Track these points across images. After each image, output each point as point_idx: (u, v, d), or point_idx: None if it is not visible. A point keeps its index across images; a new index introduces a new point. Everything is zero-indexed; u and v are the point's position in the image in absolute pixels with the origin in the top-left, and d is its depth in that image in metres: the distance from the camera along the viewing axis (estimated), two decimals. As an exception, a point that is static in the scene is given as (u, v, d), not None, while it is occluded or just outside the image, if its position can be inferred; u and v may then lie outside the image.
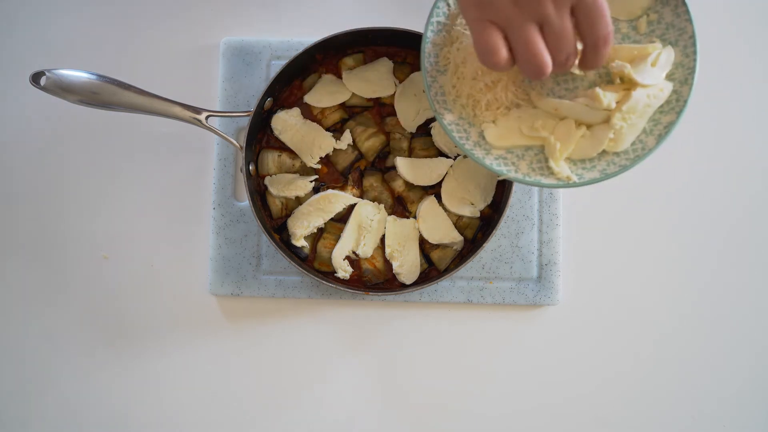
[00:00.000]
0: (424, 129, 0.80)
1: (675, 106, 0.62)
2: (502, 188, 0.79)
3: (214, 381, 0.82)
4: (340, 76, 0.81)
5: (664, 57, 0.62)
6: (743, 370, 0.81)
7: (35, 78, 0.71)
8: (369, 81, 0.80)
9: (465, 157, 0.79)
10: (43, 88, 0.71)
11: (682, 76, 0.62)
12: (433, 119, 0.79)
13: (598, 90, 0.62)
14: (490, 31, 0.51)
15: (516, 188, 0.81)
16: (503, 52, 0.51)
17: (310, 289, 0.82)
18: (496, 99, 0.66)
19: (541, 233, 0.82)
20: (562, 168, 0.64)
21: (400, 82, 0.80)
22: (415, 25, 0.77)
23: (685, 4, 0.62)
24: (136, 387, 0.83)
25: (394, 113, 0.80)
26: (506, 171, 0.64)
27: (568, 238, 0.83)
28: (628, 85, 0.62)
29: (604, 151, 0.64)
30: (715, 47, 0.84)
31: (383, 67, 0.80)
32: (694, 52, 0.62)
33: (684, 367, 0.81)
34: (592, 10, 0.49)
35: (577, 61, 0.56)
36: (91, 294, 0.84)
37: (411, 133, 0.80)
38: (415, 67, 0.81)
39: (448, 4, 0.67)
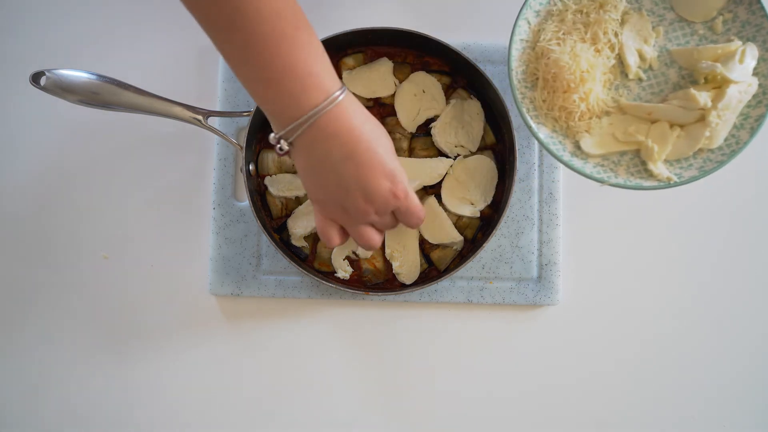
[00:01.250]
0: (424, 129, 0.80)
1: (762, 99, 0.66)
2: (502, 188, 0.79)
3: (214, 381, 0.82)
4: (340, 76, 0.81)
5: (748, 53, 0.65)
6: (744, 371, 0.81)
7: (35, 78, 0.71)
8: (369, 81, 0.80)
9: (465, 157, 0.79)
10: (43, 88, 0.71)
11: (766, 70, 0.66)
12: (433, 119, 0.79)
13: (693, 91, 0.65)
14: (329, 225, 0.64)
15: (516, 188, 0.81)
16: (338, 240, 0.65)
17: (310, 289, 0.82)
18: (589, 109, 0.69)
19: (541, 233, 0.82)
20: (661, 169, 0.67)
21: (400, 82, 0.80)
22: (415, 25, 0.77)
23: (759, 1, 0.66)
24: (135, 387, 0.83)
25: (394, 113, 0.80)
26: (607, 178, 0.68)
27: (568, 238, 0.83)
28: (717, 83, 0.66)
29: (699, 149, 0.67)
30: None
31: (383, 67, 0.80)
32: None
33: (684, 367, 0.81)
34: (406, 213, 0.63)
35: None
36: (91, 294, 0.84)
37: (411, 133, 0.80)
38: (416, 67, 0.81)
39: (529, 22, 0.70)
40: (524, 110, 0.69)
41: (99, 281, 0.84)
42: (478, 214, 0.78)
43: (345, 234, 0.65)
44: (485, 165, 0.78)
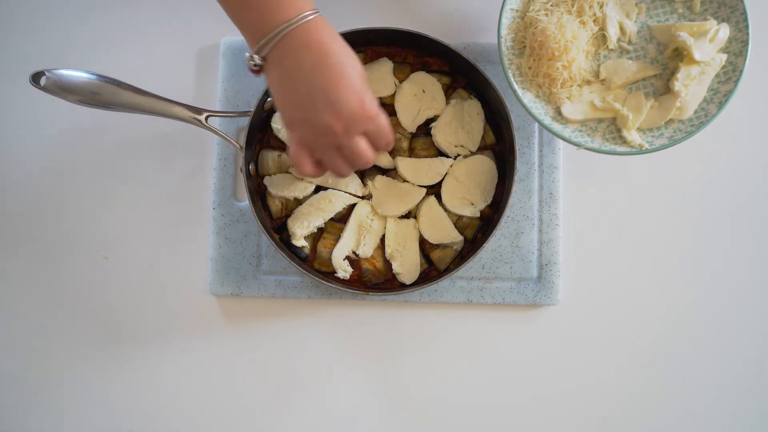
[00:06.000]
0: (424, 129, 0.80)
1: (732, 76, 0.71)
2: (502, 188, 0.79)
3: (214, 381, 0.82)
4: (340, 76, 0.81)
5: (721, 34, 0.70)
6: (744, 371, 0.81)
7: (35, 78, 0.71)
8: (369, 81, 0.79)
9: (465, 157, 0.79)
10: (43, 88, 0.71)
11: (737, 49, 0.71)
12: (433, 119, 0.79)
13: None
14: (300, 150, 0.63)
15: (516, 188, 0.81)
16: (309, 168, 0.64)
17: (310, 289, 0.82)
18: (571, 77, 0.74)
19: (541, 233, 0.82)
20: (634, 137, 0.72)
21: (400, 82, 0.80)
22: (415, 25, 0.77)
23: None
24: (136, 387, 0.83)
25: (394, 113, 0.80)
26: (583, 142, 0.72)
27: (568, 238, 0.83)
28: (686, 57, 0.71)
29: (671, 120, 0.73)
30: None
31: (383, 67, 0.80)
32: (747, 27, 0.71)
33: (684, 366, 0.81)
34: (376, 134, 0.63)
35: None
36: (91, 294, 0.84)
37: (411, 133, 0.80)
38: (416, 67, 0.81)
39: None
40: (511, 75, 0.73)
41: (99, 281, 0.84)
42: (478, 214, 0.78)
43: (317, 164, 0.65)
44: (485, 165, 0.78)
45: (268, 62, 0.61)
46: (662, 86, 0.74)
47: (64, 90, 0.71)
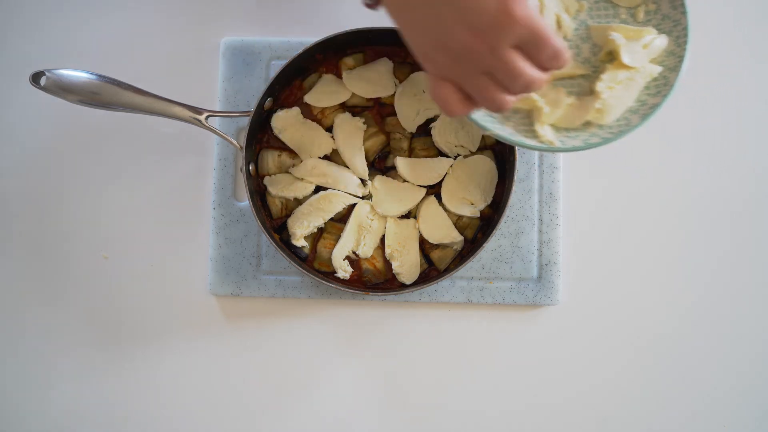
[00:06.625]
0: (424, 129, 0.80)
1: (662, 90, 0.65)
2: (502, 188, 0.79)
3: (214, 381, 0.82)
4: (340, 76, 0.81)
5: (657, 42, 0.65)
6: (744, 371, 0.81)
7: (35, 78, 0.71)
8: (369, 81, 0.80)
9: (465, 157, 0.79)
10: (43, 88, 0.71)
11: (672, 64, 0.65)
12: (433, 119, 0.79)
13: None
14: (441, 85, 0.52)
15: (516, 188, 0.81)
16: (456, 105, 0.52)
17: (310, 289, 0.82)
18: None
19: (541, 233, 0.82)
20: (546, 131, 0.65)
21: (400, 82, 0.80)
22: (415, 25, 0.77)
23: None
24: (135, 387, 0.83)
25: (394, 113, 0.80)
26: (491, 127, 0.65)
27: (568, 238, 0.83)
28: (615, 60, 0.66)
29: (589, 123, 0.66)
30: (717, 47, 0.84)
31: (383, 67, 0.80)
32: (686, 43, 0.65)
33: (684, 367, 0.81)
34: (531, 42, 0.48)
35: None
36: (91, 294, 0.84)
37: (411, 133, 0.80)
38: (416, 67, 0.81)
39: None
40: None
41: (99, 281, 0.84)
42: (478, 214, 0.78)
43: (466, 97, 0.53)
44: (485, 165, 0.78)
45: None
46: (588, 88, 0.68)
47: (64, 90, 0.71)
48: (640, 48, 0.65)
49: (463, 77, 0.51)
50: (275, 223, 0.80)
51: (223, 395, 0.82)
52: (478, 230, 0.79)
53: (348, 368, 0.82)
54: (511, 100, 0.52)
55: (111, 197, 0.85)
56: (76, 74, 0.72)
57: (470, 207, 0.78)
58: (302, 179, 0.79)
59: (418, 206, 0.79)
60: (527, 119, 0.67)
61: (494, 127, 0.65)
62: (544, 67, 0.50)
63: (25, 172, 0.86)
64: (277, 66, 0.84)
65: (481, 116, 0.65)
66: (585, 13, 0.71)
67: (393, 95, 0.80)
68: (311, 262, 0.80)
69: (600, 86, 0.64)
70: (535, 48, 0.48)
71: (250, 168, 0.79)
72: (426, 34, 0.50)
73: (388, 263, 0.79)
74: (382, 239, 0.79)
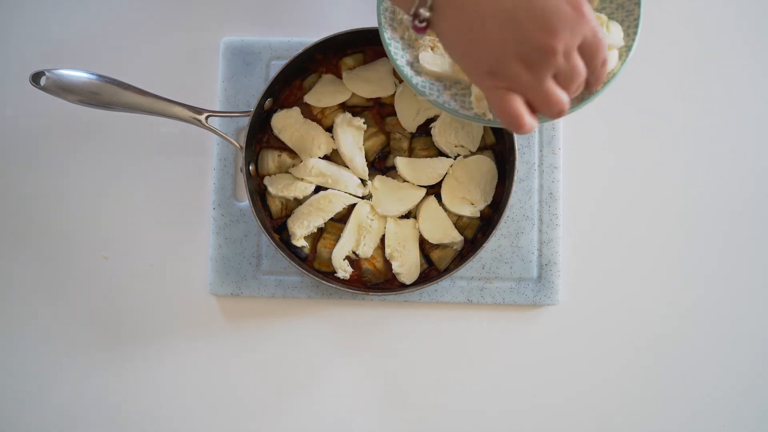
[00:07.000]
0: (424, 129, 0.80)
1: (605, 78, 0.65)
2: (502, 188, 0.79)
3: (214, 381, 0.82)
4: (340, 76, 0.81)
5: (612, 29, 0.64)
6: (744, 371, 0.81)
7: (35, 78, 0.71)
8: (369, 81, 0.80)
9: (465, 157, 0.79)
10: (43, 88, 0.71)
11: (620, 53, 0.65)
12: (433, 119, 0.79)
13: None
14: (509, 99, 0.52)
15: (516, 188, 0.81)
16: (527, 119, 0.52)
17: (310, 289, 0.82)
18: None
19: (541, 233, 0.82)
20: (481, 104, 0.65)
21: (400, 82, 0.80)
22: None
23: None
24: (135, 387, 0.83)
25: (394, 113, 0.80)
26: (428, 94, 0.66)
27: (568, 238, 0.83)
28: None
29: None
30: (717, 47, 0.84)
31: (383, 67, 0.80)
32: (635, 33, 0.65)
33: (684, 366, 0.81)
34: (593, 45, 0.51)
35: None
36: (91, 294, 0.84)
37: (411, 133, 0.80)
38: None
39: None
40: (380, 8, 0.67)
41: (99, 281, 0.84)
42: (478, 214, 0.78)
43: (530, 108, 0.53)
44: (485, 165, 0.78)
45: (438, 8, 0.52)
46: None
47: (64, 90, 0.71)
48: None
49: (532, 84, 0.51)
50: (275, 223, 0.80)
51: (223, 395, 0.82)
52: (478, 230, 0.79)
53: (348, 368, 0.82)
54: (564, 101, 0.52)
55: (111, 197, 0.85)
56: (76, 74, 0.72)
57: (470, 207, 0.78)
58: (302, 179, 0.79)
59: (418, 206, 0.79)
60: (467, 91, 0.67)
61: (432, 94, 0.66)
62: (594, 69, 0.52)
63: (24, 172, 0.86)
64: (277, 66, 0.84)
65: (421, 82, 0.66)
66: None
67: (393, 95, 0.80)
68: (311, 262, 0.80)
69: None
70: (594, 49, 0.51)
71: (250, 168, 0.79)
72: (494, 47, 0.50)
73: (388, 263, 0.79)
74: (382, 239, 0.79)
